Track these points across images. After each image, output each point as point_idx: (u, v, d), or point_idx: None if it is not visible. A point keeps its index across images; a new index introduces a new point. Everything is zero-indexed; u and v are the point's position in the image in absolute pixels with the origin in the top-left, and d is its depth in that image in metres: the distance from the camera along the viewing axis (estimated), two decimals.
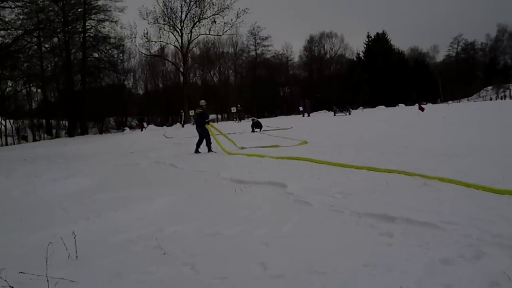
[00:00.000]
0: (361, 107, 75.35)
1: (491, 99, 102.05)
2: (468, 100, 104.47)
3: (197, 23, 62.69)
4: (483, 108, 41.47)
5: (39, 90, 64.05)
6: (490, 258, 4.56)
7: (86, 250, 5.95)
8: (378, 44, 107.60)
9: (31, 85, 59.98)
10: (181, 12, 61.93)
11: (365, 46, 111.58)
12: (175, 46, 67.90)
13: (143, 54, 71.89)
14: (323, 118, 49.73)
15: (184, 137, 29.43)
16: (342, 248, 5.28)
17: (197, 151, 19.06)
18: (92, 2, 58.51)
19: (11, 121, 57.04)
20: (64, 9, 55.14)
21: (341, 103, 64.20)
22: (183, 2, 61.03)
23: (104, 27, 59.85)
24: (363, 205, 7.07)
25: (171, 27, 62.89)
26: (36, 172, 16.17)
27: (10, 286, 4.67)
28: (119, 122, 74.77)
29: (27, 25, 48.08)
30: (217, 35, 66.57)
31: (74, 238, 5.72)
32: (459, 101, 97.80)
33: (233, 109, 61.75)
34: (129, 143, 30.99)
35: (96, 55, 61.62)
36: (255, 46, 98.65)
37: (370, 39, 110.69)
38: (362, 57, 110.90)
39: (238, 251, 5.55)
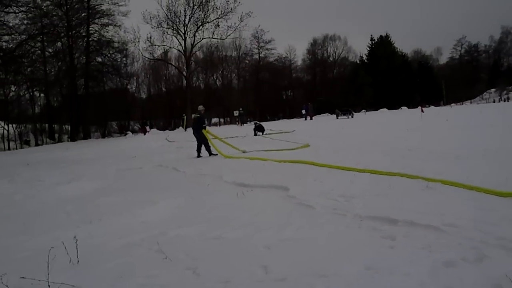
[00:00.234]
0: (363, 110, 75.34)
1: (494, 101, 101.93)
2: (471, 103, 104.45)
3: (201, 27, 62.63)
4: (486, 110, 41.37)
5: (42, 95, 64.00)
6: (493, 260, 4.55)
7: (88, 254, 5.95)
8: (382, 46, 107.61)
9: (34, 89, 59.88)
10: (185, 16, 61.92)
11: (368, 49, 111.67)
12: (178, 50, 67.84)
13: (147, 58, 71.86)
14: (325, 121, 49.75)
15: (186, 140, 29.37)
16: (345, 251, 5.26)
17: (199, 155, 19.10)
18: (96, 7, 58.56)
19: (14, 125, 57.02)
20: (68, 14, 55.16)
21: (344, 106, 64.19)
22: (187, 6, 61.02)
23: (107, 32, 59.92)
24: (365, 208, 7.06)
25: (175, 31, 62.87)
26: (39, 176, 16.20)
27: None
28: (122, 126, 74.67)
29: (31, 30, 48.15)
30: (220, 38, 66.44)
31: (76, 242, 5.71)
32: (462, 104, 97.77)
33: (236, 113, 61.74)
34: (131, 147, 31.00)
35: (99, 59, 61.65)
36: (258, 50, 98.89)
37: (373, 42, 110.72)
38: (366, 60, 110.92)
39: (240, 255, 5.54)
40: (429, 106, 57.04)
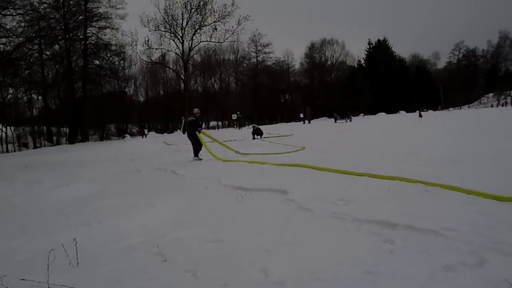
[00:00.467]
0: (362, 114, 75.41)
1: (492, 106, 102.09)
2: (469, 107, 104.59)
3: (198, 30, 62.63)
4: (484, 115, 41.45)
5: (40, 97, 64.04)
6: (492, 265, 4.56)
7: (87, 256, 5.95)
8: (379, 51, 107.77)
9: (32, 92, 59.87)
10: (182, 19, 61.95)
11: (366, 53, 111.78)
12: (176, 53, 67.87)
13: (144, 61, 71.83)
14: (323, 125, 49.75)
15: (184, 143, 29.35)
16: (344, 255, 5.27)
17: (197, 156, 19.13)
18: (93, 10, 58.63)
19: (12, 128, 56.99)
20: (65, 17, 55.20)
21: (342, 110, 64.28)
22: (184, 10, 61.00)
23: (105, 34, 59.97)
24: (364, 212, 7.06)
25: (172, 34, 62.86)
26: (38, 179, 16.20)
27: None
28: (120, 129, 74.75)
29: (28, 33, 48.06)
30: (218, 42, 66.46)
31: (75, 244, 5.72)
32: (460, 108, 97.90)
33: (234, 116, 61.76)
34: (130, 150, 31.02)
35: (97, 62, 61.68)
36: (256, 53, 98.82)
37: (371, 46, 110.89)
38: (363, 64, 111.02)
39: (239, 258, 5.54)
40: (427, 111, 56.99)
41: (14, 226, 8.73)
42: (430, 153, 14.27)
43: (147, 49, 63.74)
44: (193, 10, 61.05)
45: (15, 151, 50.84)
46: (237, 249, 5.94)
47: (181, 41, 63.23)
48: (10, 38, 45.40)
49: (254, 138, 31.10)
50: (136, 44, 61.60)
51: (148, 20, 60.61)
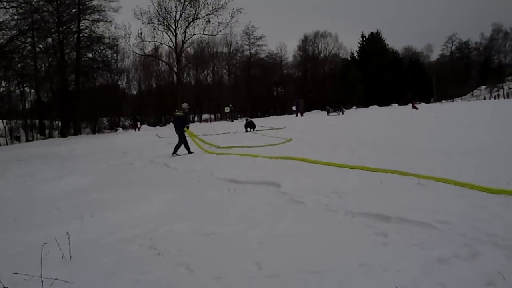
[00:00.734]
0: (354, 107, 75.36)
1: (484, 98, 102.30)
2: (461, 100, 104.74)
3: (192, 23, 62.48)
4: (476, 107, 41.52)
5: (32, 91, 63.75)
6: (485, 257, 4.57)
7: (81, 250, 5.94)
8: (373, 43, 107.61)
9: (24, 85, 59.63)
10: (176, 12, 61.74)
11: (359, 45, 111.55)
12: (169, 46, 67.68)
13: (137, 54, 71.61)
14: (316, 118, 49.69)
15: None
16: (338, 248, 5.28)
17: (189, 151, 19.14)
18: (87, 3, 58.24)
19: (4, 121, 56.77)
20: (59, 10, 54.86)
21: (335, 102, 64.12)
22: (178, 2, 60.77)
23: (98, 27, 59.67)
24: (358, 204, 7.07)
25: (165, 27, 62.68)
26: (30, 172, 16.15)
27: (4, 287, 4.65)
28: (112, 122, 74.55)
29: (21, 26, 47.82)
30: (211, 35, 66.36)
31: (69, 238, 5.70)
32: (453, 101, 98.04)
33: (226, 109, 61.64)
34: (122, 143, 30.91)
35: (90, 55, 61.38)
36: (249, 46, 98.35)
37: (364, 39, 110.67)
38: (357, 57, 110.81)
39: (233, 251, 5.55)
40: (419, 103, 56.96)
41: (6, 219, 8.69)
42: (423, 146, 14.32)
43: (140, 42, 63.59)
44: (186, 3, 60.90)
45: (7, 144, 50.58)
46: (231, 242, 5.94)
47: (174, 34, 63.11)
48: (3, 31, 45.24)
49: (246, 131, 31.05)
50: (129, 37, 61.50)
51: (141, 13, 60.44)
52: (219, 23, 62.47)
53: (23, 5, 45.49)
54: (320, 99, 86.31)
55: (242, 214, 7.37)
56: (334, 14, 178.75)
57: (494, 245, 4.85)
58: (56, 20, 54.40)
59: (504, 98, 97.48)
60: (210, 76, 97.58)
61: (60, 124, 61.03)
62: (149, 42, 64.82)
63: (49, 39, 56.96)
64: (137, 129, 51.61)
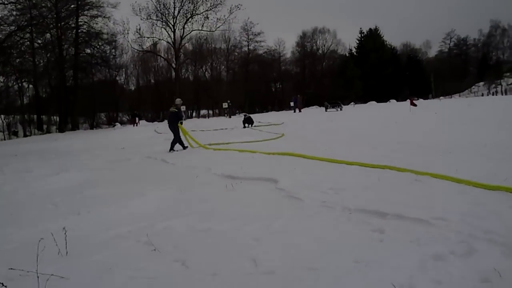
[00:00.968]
0: (352, 103, 75.38)
1: (482, 94, 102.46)
2: (459, 96, 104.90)
3: (190, 19, 62.68)
4: (474, 104, 41.52)
5: (30, 86, 63.77)
6: (481, 254, 4.56)
7: (77, 245, 5.91)
8: (371, 40, 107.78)
9: (23, 80, 59.72)
10: (174, 8, 61.94)
11: (357, 42, 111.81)
12: (167, 42, 67.90)
13: (136, 50, 71.76)
14: (314, 114, 49.71)
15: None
16: (334, 244, 5.26)
17: (184, 147, 19.16)
18: None
19: (2, 116, 56.81)
20: (57, 5, 54.95)
21: (333, 98, 64.19)
22: None
23: (96, 23, 59.93)
24: (354, 201, 7.06)
25: (164, 23, 62.86)
26: (27, 167, 16.13)
27: None
28: (110, 118, 74.56)
29: (20, 21, 47.95)
30: (209, 31, 66.60)
31: (65, 233, 5.67)
32: (451, 97, 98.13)
33: (225, 105, 61.68)
34: (120, 138, 30.94)
35: (88, 51, 61.64)
36: (248, 42, 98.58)
37: (362, 35, 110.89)
38: (355, 53, 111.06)
39: (229, 247, 5.53)
40: (417, 99, 56.95)
41: (3, 214, 8.67)
42: (420, 142, 14.31)
43: (138, 37, 63.86)
44: None
45: (5, 139, 50.62)
46: (227, 238, 5.93)
47: (172, 29, 63.23)
48: (1, 27, 45.29)
49: (244, 127, 31.08)
50: (127, 33, 61.74)
51: (140, 9, 60.62)
52: (217, 19, 62.76)
53: (21, 1, 45.56)
54: (318, 95, 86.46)
55: (239, 210, 7.36)
56: (332, 10, 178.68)
57: (491, 242, 4.84)
58: (55, 15, 54.49)
59: (502, 95, 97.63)
60: (208, 72, 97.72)
61: (58, 120, 61.09)
62: (148, 38, 65.12)
63: (48, 35, 57.15)
64: (135, 125, 51.60)
